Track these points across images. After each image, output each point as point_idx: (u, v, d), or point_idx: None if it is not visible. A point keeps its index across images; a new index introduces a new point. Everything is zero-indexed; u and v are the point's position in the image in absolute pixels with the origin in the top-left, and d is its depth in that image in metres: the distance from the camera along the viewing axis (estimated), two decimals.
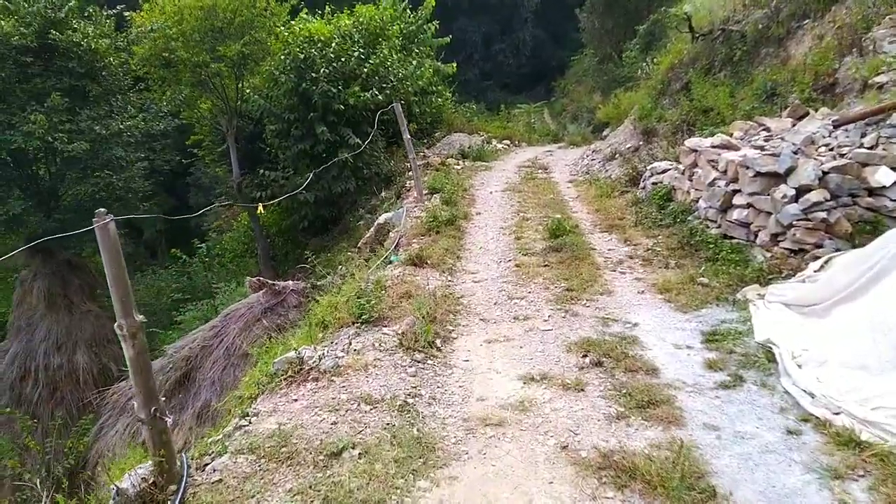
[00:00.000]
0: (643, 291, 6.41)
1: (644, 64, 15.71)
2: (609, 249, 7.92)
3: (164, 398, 3.39)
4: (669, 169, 9.29)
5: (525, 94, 38.46)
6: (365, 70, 13.48)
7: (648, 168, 9.87)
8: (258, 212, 15.96)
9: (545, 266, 7.32)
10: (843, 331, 4.60)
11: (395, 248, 8.44)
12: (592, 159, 14.09)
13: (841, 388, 4.08)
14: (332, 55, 13.17)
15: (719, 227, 7.42)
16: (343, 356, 4.86)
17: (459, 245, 8.32)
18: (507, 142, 18.97)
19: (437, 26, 17.35)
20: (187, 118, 16.25)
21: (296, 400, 4.21)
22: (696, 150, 8.25)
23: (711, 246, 7.17)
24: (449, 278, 7.05)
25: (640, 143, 12.37)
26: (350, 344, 5.10)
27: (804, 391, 4.18)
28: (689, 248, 7.46)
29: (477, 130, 19.30)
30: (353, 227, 13.39)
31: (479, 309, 6.18)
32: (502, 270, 7.32)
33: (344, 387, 4.33)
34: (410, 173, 14.29)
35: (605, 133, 24.13)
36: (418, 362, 4.83)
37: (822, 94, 8.51)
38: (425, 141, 18.04)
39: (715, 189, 7.42)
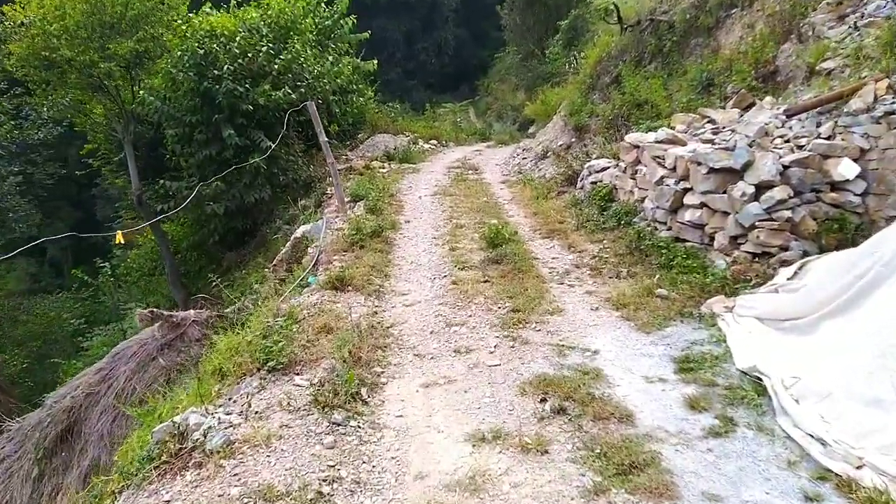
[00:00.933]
0: (597, 308, 5.57)
1: (570, 59, 15.11)
2: (553, 258, 7.08)
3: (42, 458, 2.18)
4: (608, 167, 8.58)
5: (450, 93, 37.71)
6: (276, 66, 12.16)
7: (585, 166, 9.14)
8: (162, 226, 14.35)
9: (485, 281, 6.38)
10: (839, 353, 3.88)
11: (312, 267, 7.30)
12: (524, 158, 13.34)
13: (855, 430, 3.32)
14: (236, 50, 11.78)
15: (670, 229, 6.71)
16: (239, 423, 3.72)
17: (387, 260, 7.26)
18: (435, 142, 18.02)
19: (355, 21, 16.13)
20: (79, 125, 14.35)
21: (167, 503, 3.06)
22: (637, 147, 7.55)
23: (664, 251, 6.44)
24: (376, 303, 5.98)
25: (573, 139, 11.69)
26: (250, 404, 3.96)
27: (810, 435, 3.40)
28: (639, 253, 6.71)
29: (402, 131, 18.23)
30: (270, 241, 12.06)
31: (413, 341, 5.16)
32: (437, 289, 6.33)
33: (237, 475, 3.20)
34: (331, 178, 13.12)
35: (531, 130, 23.62)
36: (338, 425, 3.75)
37: (763, 83, 7.97)
38: (348, 143, 16.81)
39: (663, 188, 6.71)
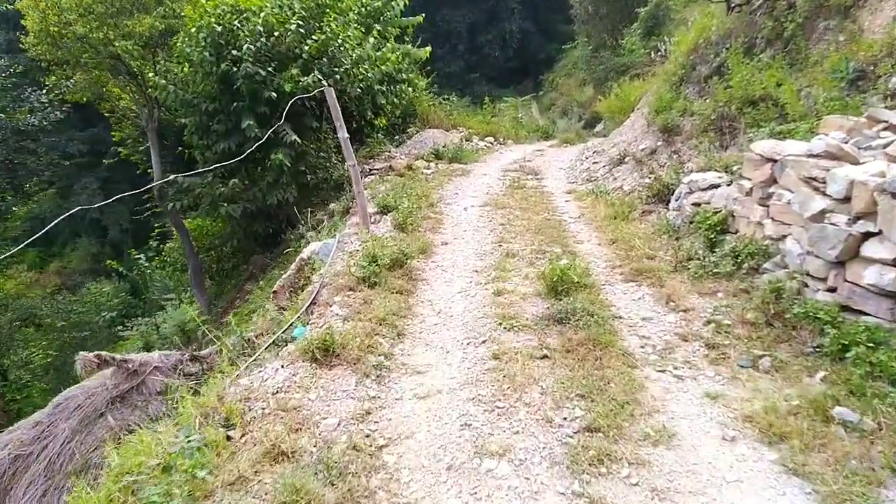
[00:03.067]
0: (734, 438, 3.20)
1: (654, 47, 12.45)
2: (644, 319, 4.70)
3: None
4: (719, 184, 6.08)
5: (513, 87, 35.21)
6: (306, 48, 10.14)
7: (684, 181, 6.65)
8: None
9: (543, 357, 4.09)
10: None
11: (306, 309, 5.19)
12: (595, 162, 10.87)
13: None
14: (260, 28, 9.81)
15: (833, 290, 4.22)
16: None
17: (406, 307, 5.05)
18: (491, 139, 15.69)
19: (407, 3, 13.93)
20: (104, 109, 12.78)
21: None
22: (773, 161, 5.05)
23: (827, 327, 3.98)
24: (373, 392, 3.77)
25: (659, 143, 9.15)
26: None
27: None
28: (781, 323, 4.27)
29: (456, 126, 16.01)
30: (293, 249, 10.09)
31: (415, 488, 2.95)
32: (470, 366, 4.08)
33: None
34: (371, 175, 11.05)
35: (598, 129, 20.88)
36: None
37: None
38: (397, 138, 14.74)
39: (826, 228, 4.21)
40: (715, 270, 5.27)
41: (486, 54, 34.79)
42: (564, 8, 37.72)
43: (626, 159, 9.70)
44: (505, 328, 4.57)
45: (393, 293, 5.22)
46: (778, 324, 4.29)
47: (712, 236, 5.67)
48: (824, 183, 4.37)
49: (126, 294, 19.63)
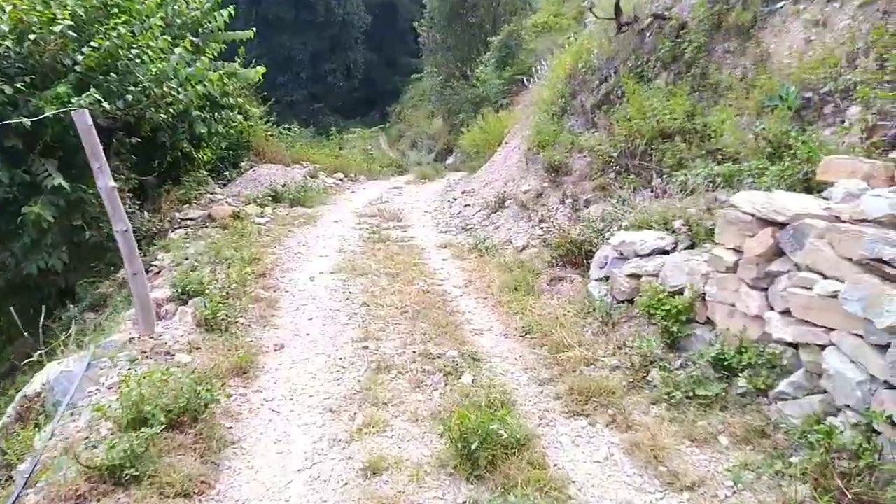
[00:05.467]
0: None
1: (533, 70, 10.89)
2: None
3: None
4: (666, 249, 4.26)
5: (359, 118, 33.00)
6: (81, 58, 7.01)
7: (611, 241, 4.75)
8: None
9: None
10: None
11: None
12: (466, 205, 8.89)
13: None
14: (4, 28, 6.57)
15: None
16: None
17: None
18: (340, 175, 13.21)
19: (232, 14, 11.07)
20: None
21: None
22: (774, 222, 3.27)
23: None
24: None
25: (545, 184, 7.37)
26: None
27: None
28: None
29: (299, 160, 13.33)
30: (56, 339, 6.77)
31: None
32: None
33: None
34: (184, 227, 8.05)
35: (449, 161, 19.27)
36: None
37: None
38: (225, 174, 11.71)
39: None
40: (697, 391, 3.34)
41: (331, 84, 32.30)
42: (408, 41, 36.59)
43: (506, 202, 7.82)
44: None
45: (168, 500, 2.58)
46: None
47: (674, 329, 3.77)
48: (886, 266, 2.59)
49: None
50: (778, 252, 3.23)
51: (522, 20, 15.94)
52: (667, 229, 4.46)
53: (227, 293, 4.92)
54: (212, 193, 9.79)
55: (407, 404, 3.46)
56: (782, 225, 3.20)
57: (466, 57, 18.36)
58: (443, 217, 8.75)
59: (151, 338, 4.24)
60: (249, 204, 9.03)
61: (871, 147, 3.92)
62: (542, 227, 6.53)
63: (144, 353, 3.98)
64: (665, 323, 3.80)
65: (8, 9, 6.79)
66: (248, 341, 4.31)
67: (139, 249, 7.33)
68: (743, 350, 3.33)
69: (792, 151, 4.16)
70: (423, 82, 25.17)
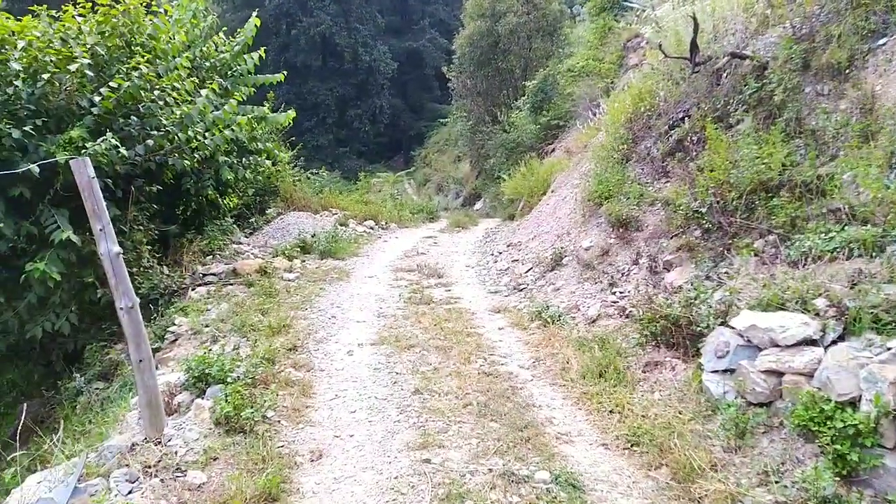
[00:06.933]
0: None
1: (588, 112, 10.10)
2: None
3: None
4: (815, 339, 3.27)
5: (384, 162, 32.75)
6: (98, 100, 6.36)
7: (734, 323, 3.77)
8: None
9: None
10: None
11: None
12: (514, 260, 7.96)
13: None
14: (17, 66, 5.95)
15: None
16: None
17: None
18: (371, 222, 12.44)
19: (262, 57, 10.54)
20: None
21: None
22: None
23: None
24: None
25: (611, 240, 6.43)
26: None
27: None
28: None
29: (328, 207, 12.61)
30: (59, 411, 5.88)
31: None
32: None
33: None
34: (206, 284, 7.23)
35: (477, 206, 18.53)
36: None
37: None
38: (251, 221, 11.01)
39: None
40: None
41: (356, 128, 32.15)
42: (432, 87, 36.57)
43: (563, 260, 6.88)
44: None
45: None
46: None
47: (853, 457, 2.75)
48: None
49: None
50: None
51: (557, 64, 15.30)
52: (805, 310, 3.48)
53: (253, 378, 3.99)
54: (237, 244, 9.03)
55: None
56: None
57: (496, 101, 17.81)
58: (489, 273, 7.82)
59: (159, 442, 3.31)
60: (277, 256, 8.21)
61: None
62: (614, 293, 5.57)
63: (148, 469, 3.05)
64: (837, 447, 2.79)
65: (21, 45, 6.19)
66: (278, 448, 3.36)
67: (156, 310, 6.54)
68: None
69: None
70: (450, 127, 24.74)
